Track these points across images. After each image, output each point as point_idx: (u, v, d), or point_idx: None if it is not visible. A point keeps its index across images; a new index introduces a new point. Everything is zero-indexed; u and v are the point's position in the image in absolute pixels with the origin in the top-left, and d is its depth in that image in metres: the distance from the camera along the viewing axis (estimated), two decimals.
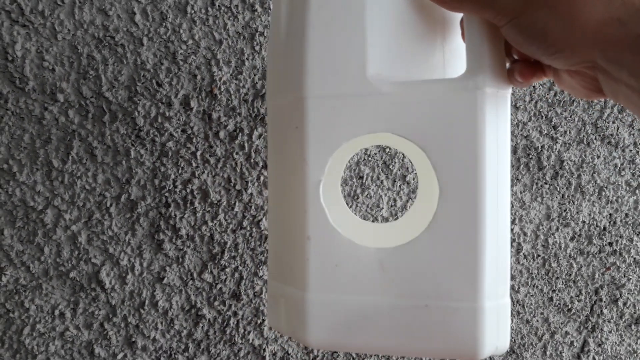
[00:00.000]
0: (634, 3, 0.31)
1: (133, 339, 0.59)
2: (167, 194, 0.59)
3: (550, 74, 0.40)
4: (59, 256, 0.57)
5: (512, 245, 0.67)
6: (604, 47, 0.32)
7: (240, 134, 0.60)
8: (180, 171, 0.59)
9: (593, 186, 0.68)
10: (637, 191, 0.70)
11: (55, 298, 0.57)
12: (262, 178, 0.60)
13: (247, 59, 0.59)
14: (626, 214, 0.70)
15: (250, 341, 0.62)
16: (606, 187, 0.69)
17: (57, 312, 0.57)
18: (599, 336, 0.71)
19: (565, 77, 0.38)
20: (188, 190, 0.59)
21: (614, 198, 0.69)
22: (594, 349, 0.71)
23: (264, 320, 0.62)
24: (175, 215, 0.59)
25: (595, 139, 0.68)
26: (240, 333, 0.62)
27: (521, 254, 0.68)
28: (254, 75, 0.60)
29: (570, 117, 0.68)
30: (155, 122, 0.58)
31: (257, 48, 0.59)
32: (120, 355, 0.59)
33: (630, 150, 0.69)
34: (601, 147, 0.68)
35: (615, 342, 0.71)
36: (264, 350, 0.63)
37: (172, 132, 0.58)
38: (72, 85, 0.55)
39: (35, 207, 0.56)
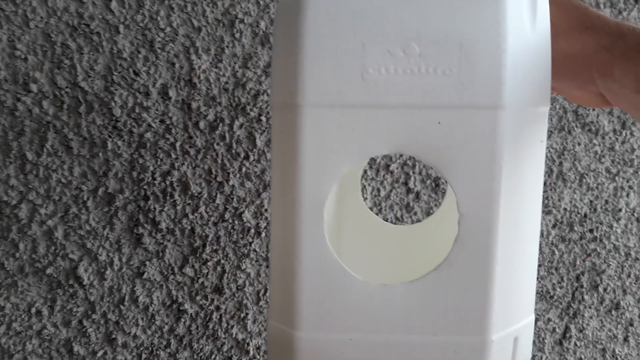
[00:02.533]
0: (614, 33, 0.39)
1: (113, 336, 0.58)
2: (145, 187, 0.57)
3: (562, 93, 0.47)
4: (35, 252, 0.55)
5: None
6: (597, 69, 0.39)
7: (220, 124, 0.58)
8: (159, 163, 0.57)
9: (574, 173, 0.69)
10: (616, 178, 0.70)
11: (31, 295, 0.56)
12: (243, 169, 0.59)
13: (227, 46, 0.58)
14: (606, 201, 0.70)
15: (234, 335, 0.61)
16: (587, 175, 0.69)
17: (33, 310, 0.56)
18: (580, 322, 0.71)
19: (575, 94, 0.44)
20: (167, 183, 0.58)
21: (595, 185, 0.70)
22: (575, 334, 0.71)
23: (247, 314, 0.61)
24: (155, 208, 0.58)
25: (576, 126, 0.68)
26: (224, 327, 0.61)
27: None
28: (234, 63, 0.58)
29: (552, 104, 0.68)
30: (133, 112, 0.56)
31: (237, 35, 0.58)
32: (100, 353, 0.58)
33: (610, 138, 0.70)
34: (582, 135, 0.69)
35: (596, 328, 0.72)
36: (248, 344, 0.62)
37: (150, 122, 0.57)
38: (46, 75, 0.54)
39: (9, 201, 0.54)
